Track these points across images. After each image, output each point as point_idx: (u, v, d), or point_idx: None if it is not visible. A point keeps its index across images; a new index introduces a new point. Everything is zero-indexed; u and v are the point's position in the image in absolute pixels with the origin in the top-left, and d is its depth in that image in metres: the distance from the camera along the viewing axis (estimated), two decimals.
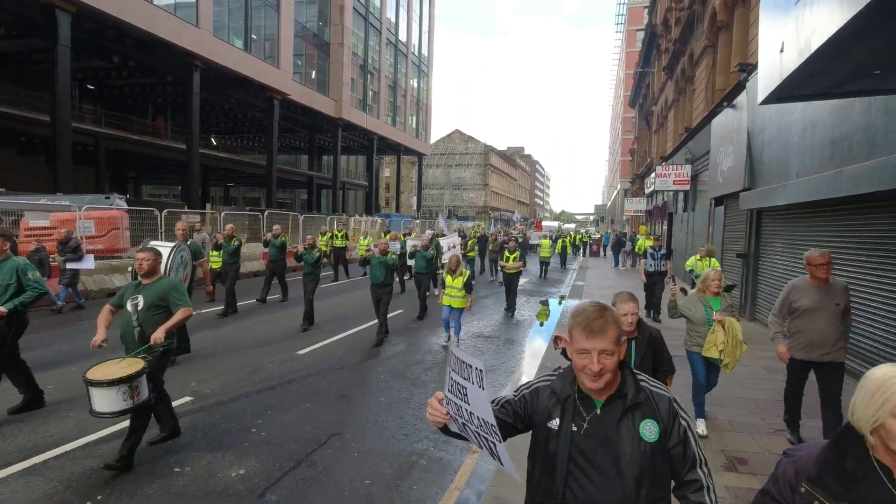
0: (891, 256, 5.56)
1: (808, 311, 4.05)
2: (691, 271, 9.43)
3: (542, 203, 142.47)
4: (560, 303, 11.60)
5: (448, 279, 7.89)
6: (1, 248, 4.63)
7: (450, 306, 7.85)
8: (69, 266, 9.30)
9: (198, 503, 3.44)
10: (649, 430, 1.46)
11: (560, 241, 23.57)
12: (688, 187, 16.84)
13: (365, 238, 17.66)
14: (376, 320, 8.22)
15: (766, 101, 3.77)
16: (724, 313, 4.49)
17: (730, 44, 13.51)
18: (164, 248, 5.78)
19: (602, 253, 31.66)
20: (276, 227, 11.56)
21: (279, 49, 28.46)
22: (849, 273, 6.27)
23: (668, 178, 17.47)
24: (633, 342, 3.16)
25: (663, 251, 10.12)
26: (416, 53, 49.07)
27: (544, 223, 45.75)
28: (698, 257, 9.32)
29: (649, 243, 12.65)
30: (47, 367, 6.03)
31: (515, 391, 1.66)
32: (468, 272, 7.98)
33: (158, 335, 3.82)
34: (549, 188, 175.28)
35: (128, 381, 3.53)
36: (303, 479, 3.82)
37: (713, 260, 8.99)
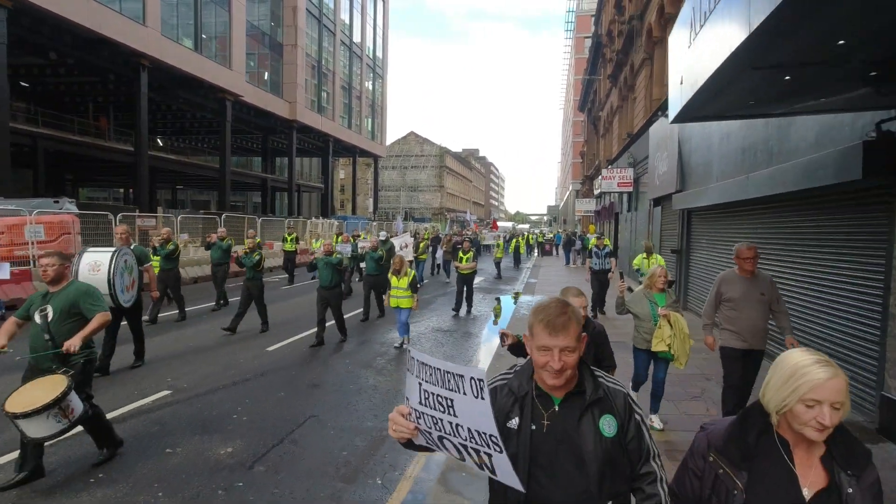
0: (787, 248, 6.57)
1: (737, 302, 4.22)
2: (638, 270, 9.69)
3: (496, 204, 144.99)
4: (514, 301, 12.00)
5: (393, 280, 7.82)
6: None
7: (399, 307, 7.79)
8: None
9: (194, 477, 3.83)
10: (608, 425, 1.47)
11: (514, 241, 24.29)
12: (631, 189, 18.12)
13: (317, 241, 17.65)
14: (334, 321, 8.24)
15: (675, 121, 4.57)
16: (669, 308, 4.57)
17: (665, 57, 14.74)
18: (104, 253, 5.71)
19: (555, 252, 33.02)
20: (221, 229, 11.33)
21: (231, 49, 28.05)
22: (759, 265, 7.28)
23: (612, 180, 18.71)
24: None
25: (607, 249, 10.85)
26: (371, 56, 49.22)
27: (499, 223, 46.86)
28: (644, 255, 9.66)
29: (607, 243, 13.41)
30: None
31: None
32: (413, 272, 7.95)
33: (74, 342, 3.56)
34: (504, 189, 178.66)
35: (54, 405, 3.30)
36: (286, 453, 4.27)
37: (658, 256, 9.66)
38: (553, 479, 1.43)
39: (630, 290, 5.04)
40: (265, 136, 40.39)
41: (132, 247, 6.82)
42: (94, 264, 5.60)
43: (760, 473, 1.36)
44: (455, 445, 1.35)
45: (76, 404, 3.49)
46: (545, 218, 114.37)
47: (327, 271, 7.89)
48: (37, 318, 3.67)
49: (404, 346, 7.86)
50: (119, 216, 12.83)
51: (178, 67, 23.96)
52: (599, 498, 1.43)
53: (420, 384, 1.34)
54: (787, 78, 3.24)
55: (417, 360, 1.35)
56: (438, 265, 19.48)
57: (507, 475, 1.29)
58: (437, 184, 79.02)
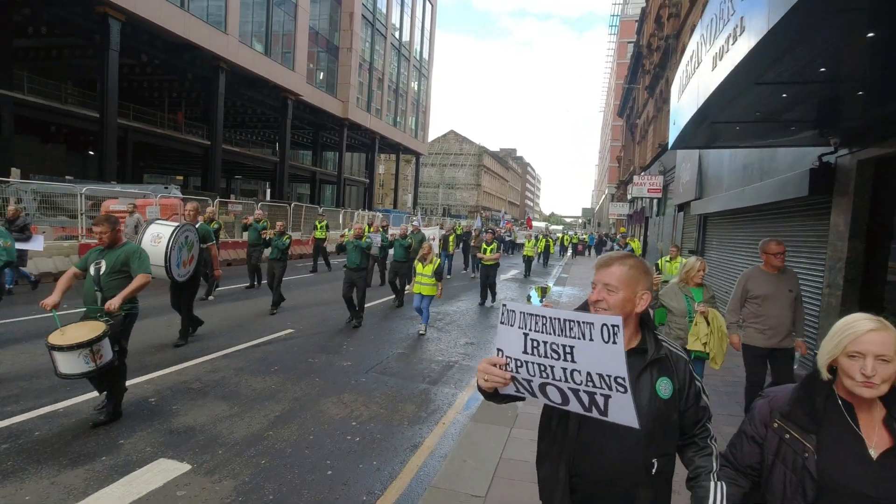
0: (799, 256, 8.13)
1: (765, 298, 4.15)
2: (659, 272, 8.95)
3: (532, 204, 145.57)
4: (541, 297, 12.58)
5: (419, 267, 7.99)
6: None
7: (420, 294, 7.99)
8: (17, 246, 8.08)
9: (331, 374, 5.86)
10: (665, 387, 1.50)
11: (543, 240, 24.33)
12: (660, 195, 19.50)
13: (350, 230, 18.25)
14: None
15: (672, 149, 6.27)
16: (706, 304, 4.36)
17: None
18: (167, 227, 5.94)
19: (587, 252, 34.42)
20: (257, 211, 11.62)
21: (295, 53, 30.67)
22: (750, 262, 8.84)
23: (643, 186, 20.13)
24: None
25: (629, 248, 12.41)
26: (418, 57, 51.43)
27: (533, 223, 48.28)
28: (668, 258, 9.18)
29: (634, 244, 14.41)
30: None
31: None
32: (438, 260, 8.18)
33: (114, 303, 3.92)
34: (540, 190, 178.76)
35: (87, 345, 3.65)
36: (387, 368, 6.26)
37: (683, 259, 8.99)
38: (604, 431, 1.46)
39: (665, 282, 4.83)
40: (316, 131, 43.18)
41: (197, 225, 6.95)
42: (157, 236, 5.80)
43: (828, 436, 1.37)
44: (562, 391, 1.37)
45: (106, 352, 3.83)
46: (580, 220, 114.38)
47: (356, 254, 8.16)
48: (91, 270, 4.10)
49: (422, 332, 8.15)
50: (216, 201, 15.28)
51: (251, 69, 26.66)
52: (646, 454, 1.48)
53: (526, 335, 1.37)
54: (737, 128, 4.95)
55: (522, 312, 1.37)
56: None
57: (624, 413, 1.32)
58: (474, 182, 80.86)
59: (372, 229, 13.75)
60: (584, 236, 39.67)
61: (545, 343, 1.34)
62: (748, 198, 8.29)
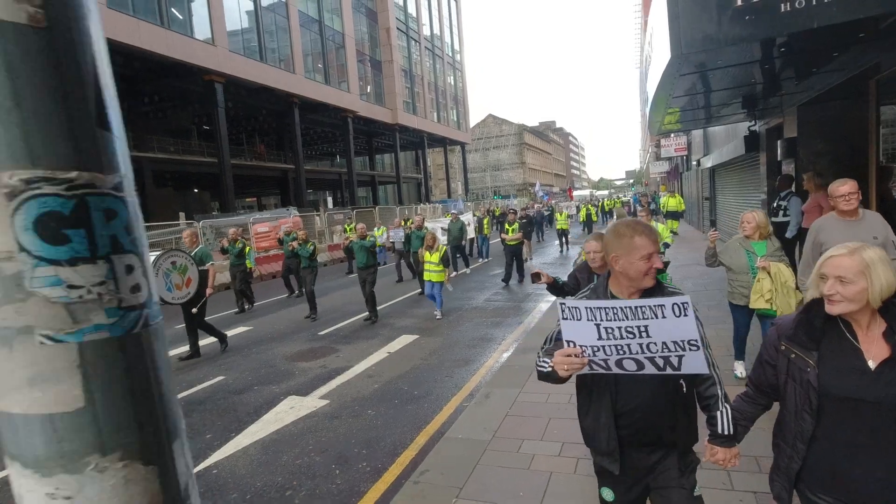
0: (738, 190, 11.33)
1: None
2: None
3: (578, 173, 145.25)
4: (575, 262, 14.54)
5: (426, 255, 8.27)
6: None
7: (430, 281, 8.37)
8: None
9: (462, 303, 9.85)
10: None
11: (584, 208, 24.80)
12: (685, 153, 22.20)
13: (378, 229, 16.63)
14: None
15: (651, 133, 9.65)
16: (769, 258, 4.09)
17: None
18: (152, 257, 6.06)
19: (632, 212, 36.86)
20: (231, 230, 11.17)
21: (348, 77, 35.15)
22: (741, 203, 12.03)
23: (670, 147, 22.84)
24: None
25: (653, 206, 15.12)
26: (450, 53, 54.83)
27: (576, 193, 50.46)
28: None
29: (673, 201, 16.59)
30: None
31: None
32: (444, 247, 8.42)
33: None
34: (585, 158, 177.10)
35: None
36: (491, 300, 10.22)
37: (656, 223, 8.25)
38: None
39: (722, 240, 4.69)
40: (369, 138, 47.79)
41: (197, 248, 7.36)
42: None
43: (829, 351, 1.56)
44: (638, 361, 1.64)
45: None
46: (630, 182, 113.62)
47: (362, 254, 8.53)
48: None
49: (438, 317, 8.65)
50: (326, 215, 19.81)
51: (316, 98, 31.33)
52: (675, 378, 1.73)
53: (598, 325, 1.61)
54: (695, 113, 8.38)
55: (587, 308, 1.62)
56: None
57: (696, 365, 1.60)
58: (518, 161, 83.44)
59: (395, 223, 14.13)
60: (626, 198, 41.76)
61: (619, 328, 1.61)
62: (725, 155, 11.54)
